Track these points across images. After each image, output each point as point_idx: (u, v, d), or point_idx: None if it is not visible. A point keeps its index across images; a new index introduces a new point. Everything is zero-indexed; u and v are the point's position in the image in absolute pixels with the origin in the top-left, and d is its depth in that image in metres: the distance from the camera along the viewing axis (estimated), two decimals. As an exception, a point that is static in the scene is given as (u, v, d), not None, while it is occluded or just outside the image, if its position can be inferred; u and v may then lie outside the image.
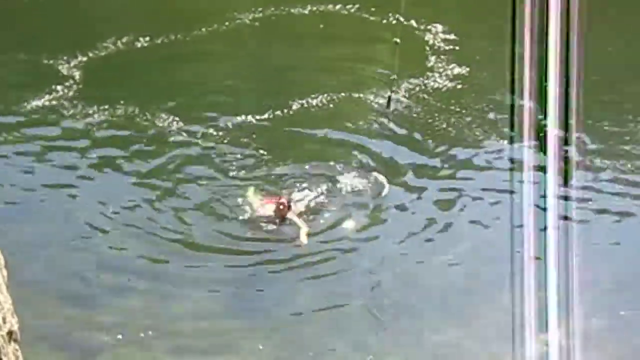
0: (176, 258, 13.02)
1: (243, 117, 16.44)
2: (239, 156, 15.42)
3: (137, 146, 15.73)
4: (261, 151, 15.49)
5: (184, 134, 15.93)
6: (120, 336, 11.39)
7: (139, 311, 11.88)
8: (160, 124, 16.18)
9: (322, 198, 14.23)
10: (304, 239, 13.12)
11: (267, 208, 13.69)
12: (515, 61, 10.59)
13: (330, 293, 12.41)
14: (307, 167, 15.11)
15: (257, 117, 16.45)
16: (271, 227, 13.55)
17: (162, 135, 15.91)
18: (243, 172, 15.00)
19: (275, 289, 12.53)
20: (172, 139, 15.83)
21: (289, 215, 13.51)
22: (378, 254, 13.22)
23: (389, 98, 10.68)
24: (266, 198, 13.92)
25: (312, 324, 11.89)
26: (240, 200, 14.12)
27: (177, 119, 16.30)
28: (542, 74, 10.17)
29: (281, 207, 13.42)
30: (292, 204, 13.61)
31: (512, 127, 15.17)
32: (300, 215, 13.62)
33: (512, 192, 14.39)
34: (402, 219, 14.00)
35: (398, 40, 9.52)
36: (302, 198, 14.09)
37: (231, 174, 14.95)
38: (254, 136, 15.77)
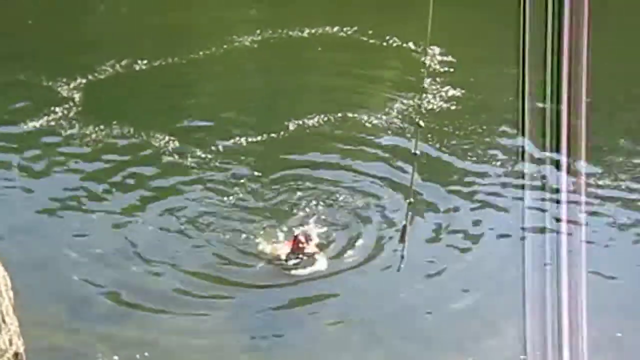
0: (179, 284, 12.98)
1: (241, 139, 16.53)
2: (239, 180, 15.45)
3: (135, 168, 15.74)
4: (256, 173, 15.55)
5: (180, 155, 15.99)
6: (124, 358, 11.47)
7: (145, 334, 11.98)
8: (157, 145, 16.27)
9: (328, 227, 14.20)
10: (324, 262, 13.17)
11: (282, 249, 13.55)
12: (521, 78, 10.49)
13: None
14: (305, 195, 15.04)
15: (254, 139, 16.52)
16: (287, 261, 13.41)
17: (160, 158, 15.99)
18: (242, 197, 15.01)
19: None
20: (169, 159, 15.93)
21: (307, 248, 13.37)
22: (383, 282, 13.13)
23: (404, 228, 9.29)
24: (287, 241, 13.73)
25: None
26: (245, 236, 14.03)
27: (173, 139, 16.38)
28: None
29: (300, 245, 13.28)
30: (307, 238, 13.51)
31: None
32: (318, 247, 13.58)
33: (505, 210, 14.49)
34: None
35: (422, 124, 8.77)
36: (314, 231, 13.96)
37: (231, 198, 14.93)
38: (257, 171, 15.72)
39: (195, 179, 15.40)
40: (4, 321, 5.85)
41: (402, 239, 9.49)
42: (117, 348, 11.54)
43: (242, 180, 15.35)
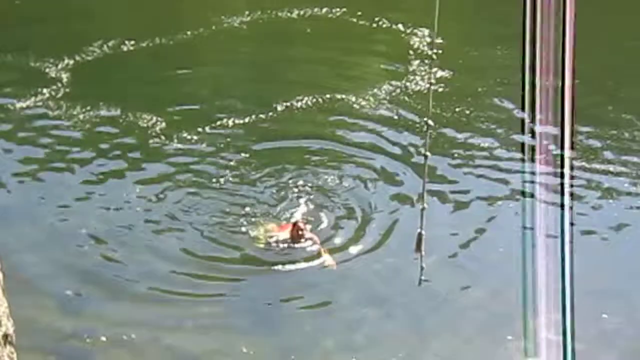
0: (172, 266, 12.86)
1: (228, 121, 16.49)
2: (226, 162, 15.38)
3: (123, 149, 15.71)
4: (243, 155, 15.48)
5: (166, 137, 15.93)
6: (113, 340, 11.40)
7: (135, 318, 11.86)
8: (144, 126, 16.22)
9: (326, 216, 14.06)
10: (331, 260, 12.89)
11: (283, 233, 13.37)
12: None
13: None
14: (297, 178, 14.91)
15: (241, 121, 16.49)
16: (284, 248, 13.21)
17: (147, 139, 15.94)
18: (232, 179, 14.88)
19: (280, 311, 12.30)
20: (156, 140, 15.88)
21: (307, 235, 13.23)
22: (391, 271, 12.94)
23: (419, 237, 8.40)
24: (280, 226, 13.58)
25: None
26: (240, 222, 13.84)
27: (161, 120, 16.33)
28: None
29: (299, 232, 13.12)
30: (305, 225, 13.38)
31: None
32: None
33: (494, 195, 14.45)
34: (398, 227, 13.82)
35: (428, 154, 8.36)
36: (311, 219, 13.87)
37: (222, 180, 14.82)
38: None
39: (182, 161, 15.32)
40: (-7, 302, 5.83)
41: (417, 249, 8.70)
42: (104, 329, 11.51)
43: (229, 163, 15.29)
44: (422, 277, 9.51)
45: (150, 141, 15.82)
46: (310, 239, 13.26)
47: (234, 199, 14.36)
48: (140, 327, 11.57)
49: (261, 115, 16.64)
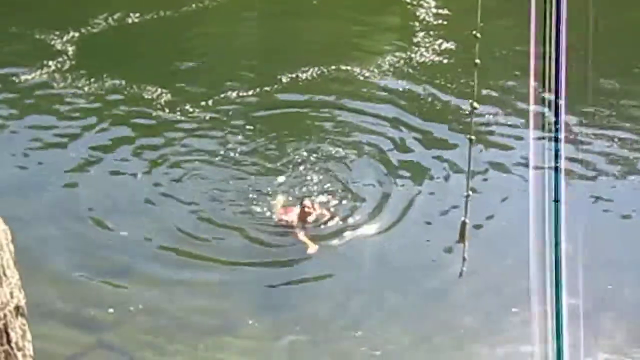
0: (178, 244, 12.85)
1: (232, 93, 16.43)
2: (231, 134, 15.29)
3: (128, 122, 15.71)
4: (248, 127, 15.43)
5: (171, 109, 15.90)
6: (125, 312, 11.49)
7: (134, 292, 11.91)
8: (149, 98, 16.20)
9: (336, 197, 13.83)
10: (312, 247, 12.56)
11: (290, 215, 13.18)
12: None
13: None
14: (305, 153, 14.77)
15: (246, 93, 16.45)
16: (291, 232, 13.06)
17: (152, 111, 15.94)
18: (241, 153, 14.79)
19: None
20: (160, 113, 15.84)
21: (317, 212, 13.05)
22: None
23: (463, 226, 8.02)
24: (288, 207, 13.42)
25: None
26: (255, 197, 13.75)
27: (166, 92, 16.31)
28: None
29: (307, 209, 12.92)
30: (313, 204, 13.16)
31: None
32: (322, 217, 13.18)
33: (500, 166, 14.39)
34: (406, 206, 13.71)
35: (473, 138, 8.21)
36: (325, 200, 13.64)
37: (229, 153, 14.75)
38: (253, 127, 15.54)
39: (187, 133, 15.29)
40: (4, 274, 5.85)
41: (461, 239, 8.34)
42: (112, 302, 11.63)
43: (233, 135, 15.23)
44: (464, 269, 9.19)
45: (155, 113, 15.78)
46: (321, 215, 13.13)
47: (237, 172, 14.31)
48: (145, 299, 11.67)
49: (266, 88, 16.56)
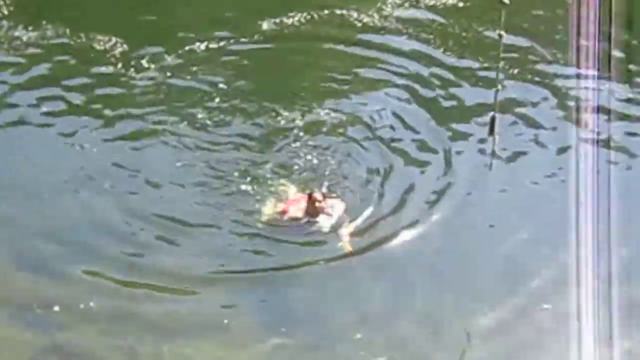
0: (137, 228, 11.76)
1: (201, 45, 14.92)
2: (198, 95, 13.91)
3: (74, 79, 14.29)
4: (221, 86, 14.08)
5: (127, 63, 14.54)
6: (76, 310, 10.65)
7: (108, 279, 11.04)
8: (101, 49, 14.80)
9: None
10: (347, 243, 11.22)
11: (292, 210, 11.63)
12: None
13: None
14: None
15: (217, 45, 14.95)
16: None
17: (104, 65, 14.53)
18: (201, 117, 13.42)
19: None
20: (114, 68, 14.49)
21: (328, 203, 11.57)
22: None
23: (493, 119, 9.20)
24: (286, 201, 11.91)
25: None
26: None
27: (121, 42, 14.87)
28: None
29: (317, 204, 11.40)
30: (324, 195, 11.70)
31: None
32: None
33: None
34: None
35: (503, 33, 9.19)
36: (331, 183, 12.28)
37: (187, 119, 13.35)
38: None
39: (145, 94, 13.97)
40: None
41: (491, 132, 9.55)
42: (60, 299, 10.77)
43: (201, 96, 13.91)
44: (493, 161, 10.37)
45: (104, 69, 14.50)
46: (332, 207, 11.61)
47: (205, 142, 12.99)
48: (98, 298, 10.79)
49: (243, 39, 15.12)
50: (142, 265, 11.20)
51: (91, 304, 10.57)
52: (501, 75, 11.03)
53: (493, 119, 9.51)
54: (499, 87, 9.16)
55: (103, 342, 10.33)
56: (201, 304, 10.85)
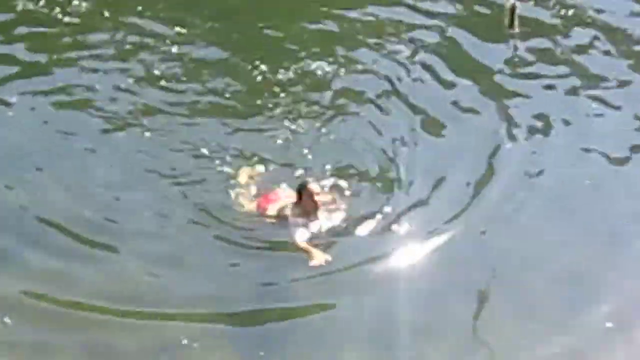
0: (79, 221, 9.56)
1: None
2: (147, 41, 11.79)
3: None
4: (177, 29, 12.05)
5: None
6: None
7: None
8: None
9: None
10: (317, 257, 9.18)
11: (271, 207, 9.74)
12: None
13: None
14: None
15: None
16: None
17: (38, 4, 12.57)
18: (152, 71, 11.29)
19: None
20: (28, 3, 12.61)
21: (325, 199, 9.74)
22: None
23: (513, 9, 9.50)
24: (263, 196, 9.94)
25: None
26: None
27: None
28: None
29: (313, 200, 9.46)
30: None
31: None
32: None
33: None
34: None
35: None
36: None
37: (155, 73, 11.22)
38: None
39: (73, 40, 12.02)
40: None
41: (511, 24, 9.90)
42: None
43: (150, 42, 11.90)
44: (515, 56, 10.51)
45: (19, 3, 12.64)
46: (332, 203, 9.71)
47: (180, 106, 10.81)
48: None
49: None
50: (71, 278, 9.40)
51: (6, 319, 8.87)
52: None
53: (512, 9, 9.58)
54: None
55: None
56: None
